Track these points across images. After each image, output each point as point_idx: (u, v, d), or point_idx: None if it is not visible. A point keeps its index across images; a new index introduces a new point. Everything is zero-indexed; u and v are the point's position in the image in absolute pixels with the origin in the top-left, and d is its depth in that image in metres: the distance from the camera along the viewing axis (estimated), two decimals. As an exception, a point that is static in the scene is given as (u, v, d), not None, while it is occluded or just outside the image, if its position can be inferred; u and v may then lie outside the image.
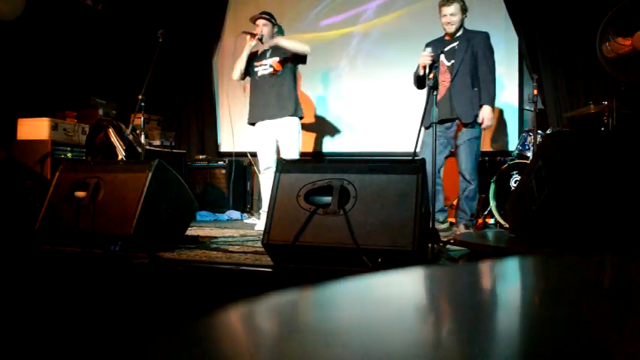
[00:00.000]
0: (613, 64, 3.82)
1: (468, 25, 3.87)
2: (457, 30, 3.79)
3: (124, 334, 1.98)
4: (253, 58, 4.22)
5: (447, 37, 3.85)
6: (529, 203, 2.26)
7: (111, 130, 4.69)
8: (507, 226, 3.65)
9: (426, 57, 3.60)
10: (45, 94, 5.39)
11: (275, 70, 4.10)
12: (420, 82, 3.89)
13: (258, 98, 4.16)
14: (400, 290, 0.54)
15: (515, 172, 4.14)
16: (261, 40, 4.10)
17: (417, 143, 3.22)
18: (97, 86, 5.88)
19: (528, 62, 5.10)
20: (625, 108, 4.04)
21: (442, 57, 3.77)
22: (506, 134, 5.29)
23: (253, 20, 4.19)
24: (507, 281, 0.61)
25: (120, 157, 4.58)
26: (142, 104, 3.89)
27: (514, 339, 0.36)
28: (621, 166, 1.93)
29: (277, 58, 4.11)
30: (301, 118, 4.21)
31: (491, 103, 3.73)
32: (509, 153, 4.75)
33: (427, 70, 3.66)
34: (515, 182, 4.10)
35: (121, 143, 4.62)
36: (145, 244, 2.57)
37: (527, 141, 4.24)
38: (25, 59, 5.26)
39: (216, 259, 2.50)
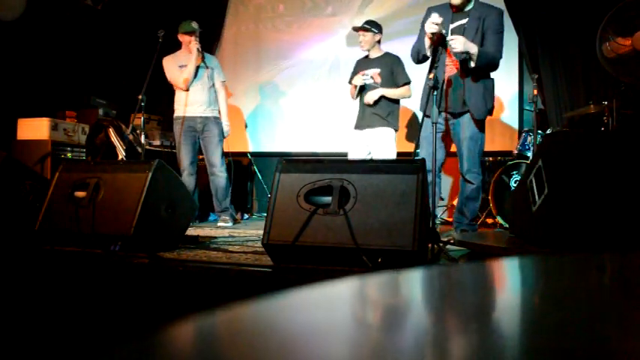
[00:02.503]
0: (613, 64, 3.82)
1: None
2: (467, 1, 3.22)
3: (124, 334, 1.99)
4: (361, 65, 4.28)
5: (453, 10, 3.25)
6: (529, 203, 2.26)
7: (111, 130, 4.70)
8: (507, 226, 3.65)
9: (434, 25, 3.03)
10: (45, 94, 5.39)
11: (375, 81, 4.15)
12: (424, 56, 3.32)
13: (361, 106, 4.23)
14: (399, 290, 0.54)
15: (515, 172, 4.15)
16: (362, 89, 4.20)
17: (417, 143, 3.22)
18: (97, 86, 5.88)
19: (528, 62, 5.10)
20: (625, 108, 4.05)
21: (449, 36, 3.19)
22: (506, 134, 5.29)
23: (356, 30, 4.24)
24: (507, 281, 0.61)
25: (120, 157, 4.58)
26: (142, 104, 3.89)
27: (514, 340, 0.36)
28: (621, 166, 1.93)
29: (378, 70, 4.15)
30: (396, 130, 4.22)
31: (480, 53, 3.08)
32: (509, 153, 4.75)
33: (438, 39, 3.11)
34: (515, 182, 4.11)
35: (121, 143, 4.63)
36: (145, 244, 2.57)
37: (527, 141, 4.25)
38: (25, 59, 5.26)
39: (216, 259, 2.50)
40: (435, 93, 2.92)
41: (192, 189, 4.29)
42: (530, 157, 3.98)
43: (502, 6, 5.15)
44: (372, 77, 4.16)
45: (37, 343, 2.06)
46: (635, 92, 4.19)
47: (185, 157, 4.33)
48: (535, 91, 3.96)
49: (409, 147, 5.00)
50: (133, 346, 0.32)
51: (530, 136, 4.20)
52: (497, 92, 5.23)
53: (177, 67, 4.34)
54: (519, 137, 4.48)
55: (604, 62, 3.87)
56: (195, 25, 4.43)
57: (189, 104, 4.35)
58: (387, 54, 4.23)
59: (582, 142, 2.04)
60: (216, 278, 2.23)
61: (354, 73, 4.28)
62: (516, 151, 4.33)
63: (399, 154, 5.30)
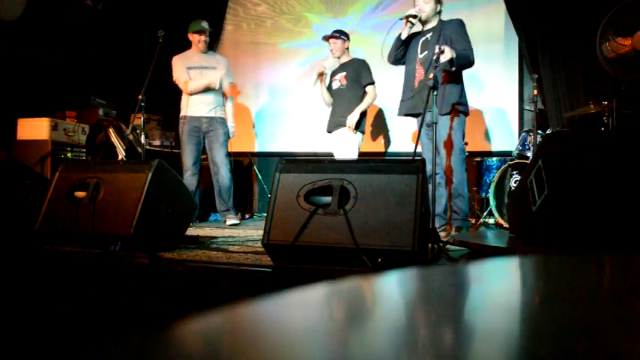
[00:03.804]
0: (613, 64, 3.82)
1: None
2: (429, 19, 3.65)
3: (124, 334, 1.99)
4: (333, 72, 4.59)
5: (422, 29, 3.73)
6: (529, 203, 2.26)
7: (111, 130, 4.69)
8: (507, 226, 3.65)
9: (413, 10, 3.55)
10: (45, 94, 5.39)
11: (341, 84, 4.46)
12: (402, 44, 3.70)
13: (332, 109, 4.53)
14: (397, 290, 0.54)
15: (515, 172, 4.15)
16: (321, 74, 4.52)
17: (417, 143, 3.22)
18: (97, 86, 5.88)
19: (528, 62, 5.10)
20: (625, 108, 4.04)
21: (418, 49, 3.65)
22: (506, 134, 5.29)
23: (326, 39, 4.54)
24: (507, 281, 0.61)
25: (120, 157, 4.58)
26: (142, 104, 3.89)
27: (514, 340, 0.36)
28: (621, 166, 1.93)
29: (344, 73, 4.44)
30: (362, 132, 4.47)
31: (457, 55, 3.38)
32: (509, 153, 4.75)
33: (411, 25, 3.58)
34: (515, 182, 4.10)
35: (121, 143, 4.62)
36: (145, 244, 2.57)
37: (527, 141, 4.24)
38: (25, 59, 5.26)
39: (216, 259, 2.50)
40: (436, 93, 2.94)
41: (194, 189, 4.30)
42: (530, 157, 3.98)
43: (502, 6, 5.18)
44: (339, 80, 4.46)
45: (37, 343, 2.07)
46: (635, 92, 4.19)
47: (188, 157, 4.34)
48: (535, 91, 3.96)
49: (408, 147, 5.00)
50: (132, 345, 0.32)
51: (530, 136, 4.20)
52: (497, 92, 5.28)
53: (185, 68, 4.37)
54: (519, 137, 4.48)
55: (604, 62, 3.87)
56: (205, 24, 4.47)
57: (196, 104, 4.38)
58: (354, 59, 4.54)
59: (582, 142, 2.04)
60: (216, 278, 2.23)
61: (330, 81, 4.60)
62: (516, 151, 4.33)
63: (399, 154, 5.32)
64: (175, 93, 6.37)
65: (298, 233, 2.22)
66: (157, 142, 5.41)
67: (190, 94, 4.37)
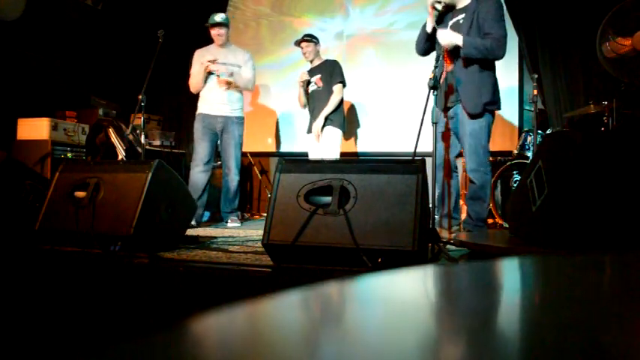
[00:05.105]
0: (613, 64, 3.82)
1: None
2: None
3: (124, 334, 1.99)
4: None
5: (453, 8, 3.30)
6: (529, 203, 2.26)
7: (111, 130, 4.69)
8: (507, 226, 3.65)
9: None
10: (45, 94, 5.40)
11: (318, 85, 4.64)
12: (428, 37, 3.33)
13: (311, 110, 4.73)
14: (400, 290, 0.54)
15: (515, 172, 4.15)
16: (308, 83, 4.69)
17: (417, 143, 3.21)
18: (97, 86, 5.88)
19: (528, 62, 5.10)
20: (625, 108, 4.04)
21: (438, 31, 3.25)
22: (506, 134, 5.29)
23: (297, 44, 4.71)
24: (507, 282, 0.61)
25: (120, 157, 4.58)
26: (142, 104, 3.89)
27: (514, 340, 0.36)
28: (621, 166, 1.93)
29: (319, 75, 4.62)
30: (342, 130, 4.63)
31: (465, 43, 3.07)
32: (509, 153, 4.75)
33: (437, 13, 3.17)
34: (515, 182, 4.11)
35: (121, 143, 4.62)
36: (145, 244, 2.57)
37: (527, 141, 4.25)
38: (25, 59, 5.26)
39: (216, 259, 2.50)
40: (436, 93, 2.93)
41: (203, 187, 4.28)
42: (530, 157, 3.98)
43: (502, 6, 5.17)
44: (315, 83, 4.64)
45: (37, 342, 2.07)
46: (635, 92, 4.19)
47: (200, 154, 4.32)
48: (535, 91, 3.96)
49: (409, 147, 5.00)
50: (132, 346, 0.32)
51: (530, 136, 4.20)
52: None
53: (201, 63, 4.39)
54: (519, 137, 4.48)
55: (604, 62, 3.87)
56: (217, 17, 4.47)
57: (211, 102, 4.39)
58: (327, 60, 4.73)
59: (582, 142, 2.04)
60: (216, 278, 2.23)
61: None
62: (516, 151, 4.33)
63: (399, 154, 5.32)
64: (175, 93, 6.38)
65: (298, 233, 2.22)
66: (157, 142, 5.41)
67: (195, 92, 4.42)
